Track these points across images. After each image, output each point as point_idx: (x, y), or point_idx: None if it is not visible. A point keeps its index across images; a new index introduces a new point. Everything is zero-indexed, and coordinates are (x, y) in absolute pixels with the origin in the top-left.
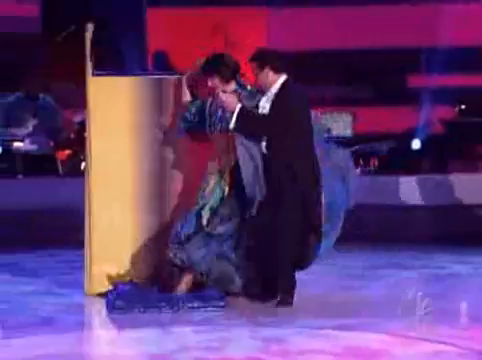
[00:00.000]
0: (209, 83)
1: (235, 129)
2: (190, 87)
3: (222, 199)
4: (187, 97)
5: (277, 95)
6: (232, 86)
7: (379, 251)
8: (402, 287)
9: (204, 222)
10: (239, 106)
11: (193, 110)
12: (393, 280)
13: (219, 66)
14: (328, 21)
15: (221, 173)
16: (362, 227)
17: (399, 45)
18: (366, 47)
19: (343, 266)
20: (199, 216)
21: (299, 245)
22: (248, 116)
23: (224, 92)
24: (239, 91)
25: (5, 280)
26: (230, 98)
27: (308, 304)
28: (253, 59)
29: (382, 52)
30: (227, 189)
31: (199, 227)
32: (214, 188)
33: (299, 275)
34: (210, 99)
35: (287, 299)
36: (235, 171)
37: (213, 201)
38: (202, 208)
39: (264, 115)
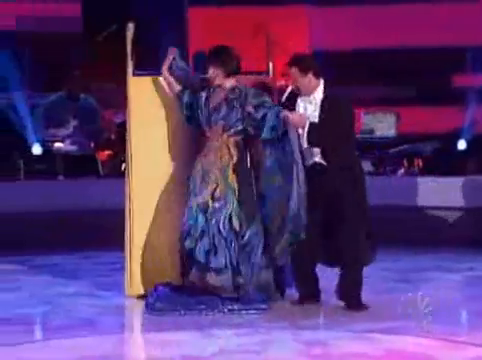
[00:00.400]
0: (210, 72)
1: (309, 143)
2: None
3: (239, 202)
4: (178, 87)
5: (325, 101)
6: (231, 82)
7: (420, 253)
8: (447, 290)
9: (238, 229)
10: (309, 122)
11: (186, 100)
12: (438, 283)
13: (224, 57)
14: (372, 20)
15: (223, 171)
16: (402, 229)
17: (444, 44)
18: (411, 46)
19: (386, 268)
20: (235, 233)
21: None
22: (316, 128)
23: (221, 87)
24: (240, 88)
25: (45, 282)
26: (298, 117)
27: None
28: (294, 64)
29: (427, 51)
30: (237, 189)
31: (236, 242)
32: (225, 192)
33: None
34: (204, 94)
35: (361, 304)
36: (240, 169)
37: (235, 208)
38: (230, 218)
39: (326, 123)
